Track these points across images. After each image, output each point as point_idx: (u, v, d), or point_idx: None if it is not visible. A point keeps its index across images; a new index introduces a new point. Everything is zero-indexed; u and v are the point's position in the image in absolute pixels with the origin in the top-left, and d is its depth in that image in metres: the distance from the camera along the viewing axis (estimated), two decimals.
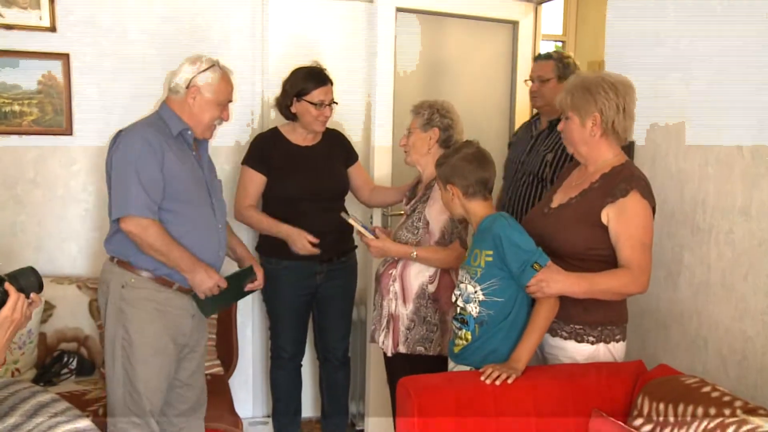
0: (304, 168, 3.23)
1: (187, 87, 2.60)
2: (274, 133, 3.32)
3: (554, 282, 2.29)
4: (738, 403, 2.00)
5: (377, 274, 2.97)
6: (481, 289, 2.41)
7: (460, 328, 2.49)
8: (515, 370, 2.30)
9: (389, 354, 2.86)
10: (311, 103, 3.16)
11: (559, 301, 2.35)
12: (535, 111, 3.63)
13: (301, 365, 3.47)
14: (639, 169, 2.45)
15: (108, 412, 2.67)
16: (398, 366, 2.85)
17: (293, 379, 3.46)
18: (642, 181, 2.37)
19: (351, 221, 2.92)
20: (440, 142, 2.89)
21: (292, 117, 3.25)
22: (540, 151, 3.25)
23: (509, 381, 2.26)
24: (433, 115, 2.88)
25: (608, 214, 2.34)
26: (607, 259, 2.35)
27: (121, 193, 2.52)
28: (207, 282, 2.59)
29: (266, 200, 3.30)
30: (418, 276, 2.81)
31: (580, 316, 2.41)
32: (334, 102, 3.23)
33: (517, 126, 3.85)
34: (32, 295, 1.86)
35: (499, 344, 2.41)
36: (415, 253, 2.76)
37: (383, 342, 2.87)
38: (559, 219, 2.46)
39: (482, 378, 2.28)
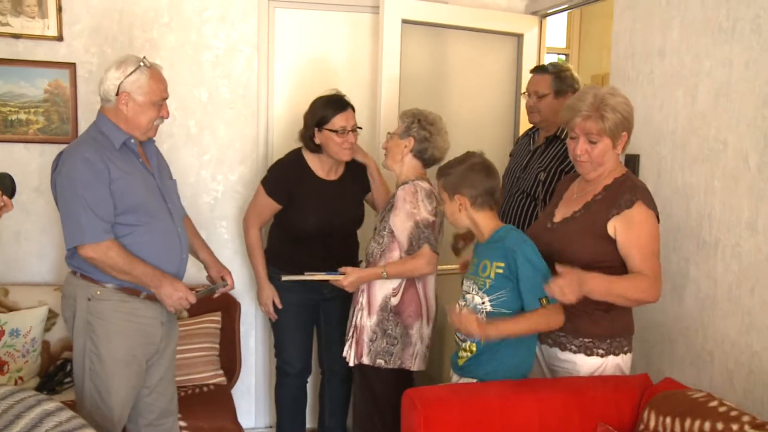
0: (323, 204, 3.13)
1: (117, 94, 2.50)
2: (299, 161, 3.18)
3: (570, 292, 2.20)
4: (746, 418, 1.99)
5: None
6: (489, 301, 2.40)
7: (464, 340, 2.48)
8: (485, 332, 2.27)
9: (351, 364, 2.88)
10: (333, 131, 3.04)
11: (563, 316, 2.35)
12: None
13: (306, 381, 3.42)
14: (639, 179, 2.46)
15: None
16: (360, 377, 2.90)
17: (299, 396, 3.41)
18: (645, 191, 2.37)
19: (313, 278, 2.91)
20: (414, 153, 2.88)
21: (317, 149, 3.12)
22: (534, 168, 3.20)
23: (472, 326, 2.25)
24: (412, 124, 2.87)
25: (615, 226, 2.33)
26: (613, 272, 2.34)
27: (72, 222, 2.45)
28: (174, 295, 2.52)
29: (278, 222, 3.24)
30: (383, 288, 2.83)
31: (588, 330, 2.40)
32: (358, 127, 3.12)
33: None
34: (4, 198, 1.90)
35: (504, 357, 2.40)
36: (385, 273, 2.78)
37: (347, 351, 2.89)
38: (565, 233, 2.45)
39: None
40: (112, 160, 2.47)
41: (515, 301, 2.37)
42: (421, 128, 2.85)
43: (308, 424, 3.73)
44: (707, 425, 2.04)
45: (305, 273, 2.92)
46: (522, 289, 2.34)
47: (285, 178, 3.16)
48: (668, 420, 2.16)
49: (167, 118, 2.63)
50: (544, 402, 2.29)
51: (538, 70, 3.33)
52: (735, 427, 1.98)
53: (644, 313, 2.85)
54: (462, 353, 2.50)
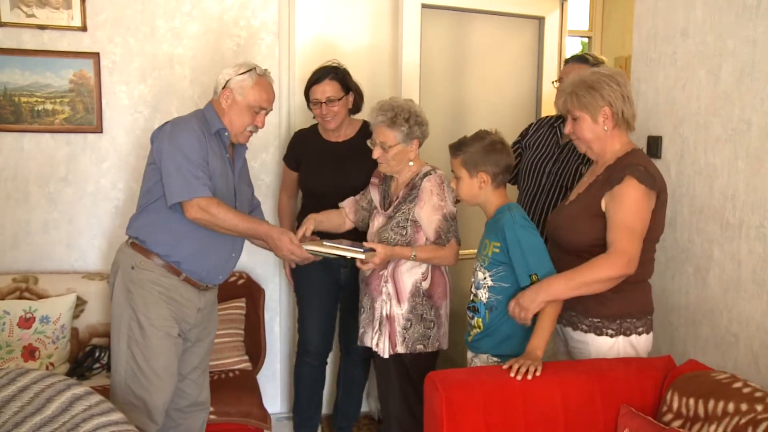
0: (330, 164, 3.25)
1: (223, 88, 2.65)
2: (312, 129, 3.38)
3: (528, 304, 2.35)
4: None
5: (364, 276, 2.95)
6: (490, 276, 2.51)
7: (473, 317, 2.58)
8: (537, 359, 2.32)
9: (386, 356, 2.82)
10: (309, 102, 3.22)
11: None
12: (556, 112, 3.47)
13: (326, 363, 3.46)
14: (644, 156, 2.44)
15: (110, 392, 2.66)
16: (395, 366, 2.84)
17: (317, 377, 3.45)
18: (641, 166, 2.34)
19: (336, 252, 2.71)
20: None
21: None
22: (571, 161, 3.09)
23: (537, 374, 2.27)
24: (412, 127, 2.82)
25: (606, 203, 2.36)
26: None
27: (178, 178, 2.51)
28: (285, 252, 2.67)
29: (303, 193, 3.43)
30: (411, 274, 2.81)
31: (596, 309, 2.41)
32: (338, 99, 3.15)
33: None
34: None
35: (511, 330, 2.48)
36: (414, 254, 2.75)
37: (378, 344, 2.84)
38: (568, 215, 2.50)
39: (511, 374, 2.28)
40: (209, 141, 2.61)
41: (512, 274, 2.46)
42: (418, 126, 2.84)
43: (324, 410, 3.76)
44: (731, 406, 2.03)
45: (324, 242, 2.79)
46: (514, 267, 2.44)
47: (293, 143, 3.41)
48: (691, 401, 2.15)
49: (261, 127, 2.74)
50: (566, 384, 2.30)
51: (575, 59, 3.21)
52: (759, 407, 1.97)
53: (668, 295, 2.84)
54: (472, 330, 2.61)
